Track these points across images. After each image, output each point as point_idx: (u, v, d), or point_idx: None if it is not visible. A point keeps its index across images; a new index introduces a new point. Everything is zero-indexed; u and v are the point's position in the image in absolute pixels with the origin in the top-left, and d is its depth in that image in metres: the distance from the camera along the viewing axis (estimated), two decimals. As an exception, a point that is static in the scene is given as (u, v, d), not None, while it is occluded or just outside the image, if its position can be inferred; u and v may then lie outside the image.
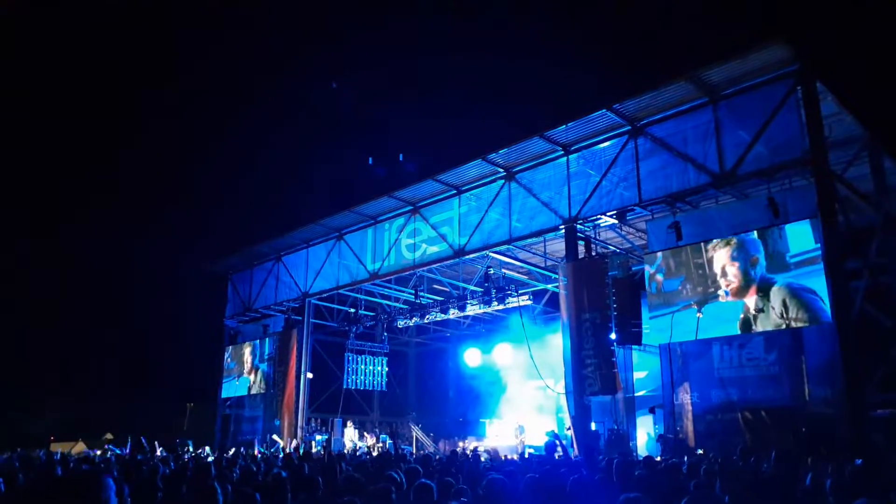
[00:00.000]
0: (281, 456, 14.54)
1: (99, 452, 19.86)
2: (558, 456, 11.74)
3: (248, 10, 40.01)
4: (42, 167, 35.10)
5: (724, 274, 14.03)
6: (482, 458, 13.53)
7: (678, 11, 32.95)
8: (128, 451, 19.24)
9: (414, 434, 25.19)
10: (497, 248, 19.00)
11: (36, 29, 30.76)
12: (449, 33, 41.94)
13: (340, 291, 24.04)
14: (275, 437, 23.57)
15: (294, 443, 21.75)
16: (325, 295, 24.49)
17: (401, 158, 31.14)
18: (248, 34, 41.15)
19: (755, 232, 13.78)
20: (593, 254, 17.35)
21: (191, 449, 21.56)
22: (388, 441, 23.87)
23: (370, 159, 32.65)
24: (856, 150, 15.23)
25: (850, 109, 14.37)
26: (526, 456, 15.95)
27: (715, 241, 14.32)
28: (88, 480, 3.02)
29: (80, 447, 26.04)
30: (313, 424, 25.22)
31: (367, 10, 41.47)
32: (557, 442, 11.98)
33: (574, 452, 14.12)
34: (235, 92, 42.42)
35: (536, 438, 20.31)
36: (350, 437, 24.63)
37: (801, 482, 6.45)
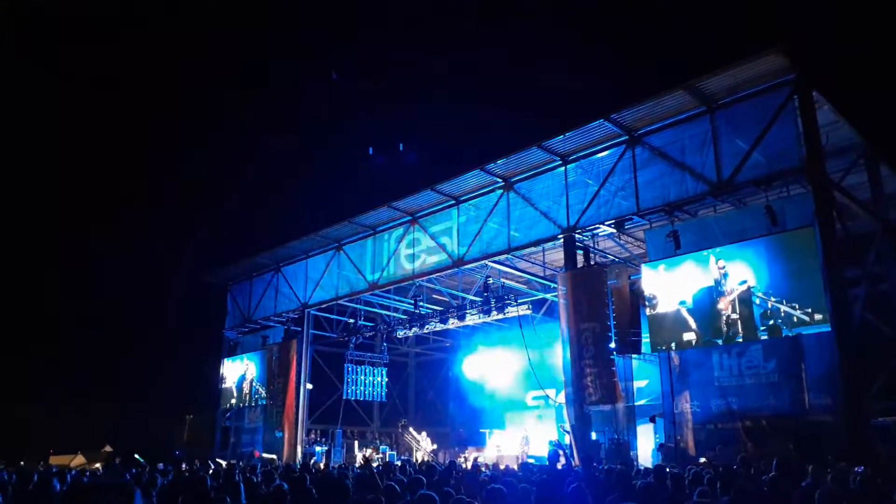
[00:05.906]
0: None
1: (98, 465, 19.75)
2: (561, 465, 11.68)
3: (238, 21, 40.21)
4: (38, 175, 35.06)
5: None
6: (482, 470, 13.43)
7: (675, 21, 33.17)
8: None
9: (409, 439, 24.81)
10: (496, 258, 19.03)
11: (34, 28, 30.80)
12: (446, 44, 42.16)
13: (340, 302, 24.03)
14: (264, 455, 23.49)
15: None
16: (324, 306, 24.49)
17: (401, 148, 30.95)
18: (245, 43, 41.28)
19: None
20: (592, 263, 17.36)
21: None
22: (389, 452, 23.77)
23: (370, 149, 32.42)
24: (853, 159, 15.29)
25: (846, 118, 14.44)
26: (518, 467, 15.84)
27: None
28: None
29: (79, 460, 25.92)
30: (313, 436, 25.14)
31: (365, 17, 41.68)
32: (560, 452, 11.92)
33: (575, 462, 14.06)
34: (234, 100, 42.47)
35: (539, 448, 20.23)
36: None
37: (800, 490, 6.45)
